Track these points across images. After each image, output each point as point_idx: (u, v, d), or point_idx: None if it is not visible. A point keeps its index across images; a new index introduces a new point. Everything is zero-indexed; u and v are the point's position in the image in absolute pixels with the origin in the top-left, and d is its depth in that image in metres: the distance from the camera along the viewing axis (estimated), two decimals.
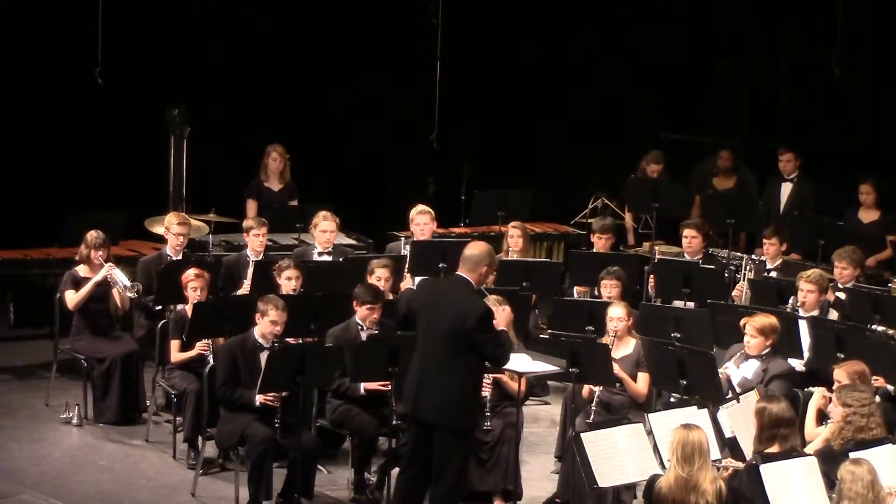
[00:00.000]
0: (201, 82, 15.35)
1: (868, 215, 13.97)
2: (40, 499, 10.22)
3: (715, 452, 8.73)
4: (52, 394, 12.14)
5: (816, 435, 9.35)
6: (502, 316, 9.73)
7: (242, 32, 15.88)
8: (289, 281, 11.34)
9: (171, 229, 12.19)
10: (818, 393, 9.50)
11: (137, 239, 13.51)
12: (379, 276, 11.31)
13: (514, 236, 13.07)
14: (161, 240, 12.70)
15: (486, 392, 10.31)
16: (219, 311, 11.03)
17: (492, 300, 10.38)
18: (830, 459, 8.56)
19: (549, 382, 12.69)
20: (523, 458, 10.71)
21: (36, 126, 14.88)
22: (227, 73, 15.74)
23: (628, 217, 14.82)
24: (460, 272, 9.43)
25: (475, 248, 9.48)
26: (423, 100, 15.82)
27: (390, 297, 11.41)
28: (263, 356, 10.02)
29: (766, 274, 12.62)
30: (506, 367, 9.90)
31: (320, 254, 12.53)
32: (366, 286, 10.80)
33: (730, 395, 9.84)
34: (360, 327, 10.58)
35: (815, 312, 11.28)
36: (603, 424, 9.26)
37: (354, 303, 10.64)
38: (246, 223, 12.56)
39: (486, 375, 10.26)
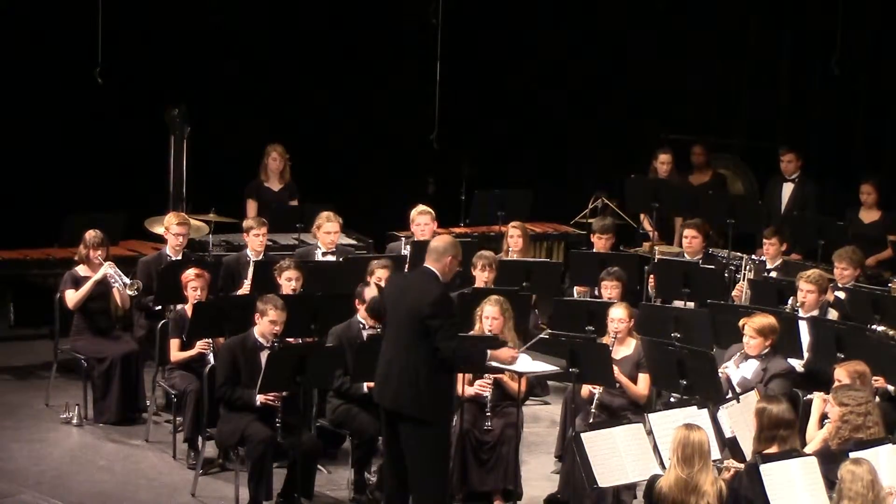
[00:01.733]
0: (201, 82, 15.34)
1: (869, 215, 13.98)
2: (40, 499, 10.22)
3: (715, 452, 8.73)
4: (52, 394, 12.14)
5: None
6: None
7: (242, 32, 15.88)
8: (289, 282, 11.35)
9: (171, 229, 12.19)
10: (818, 398, 9.48)
11: (137, 239, 13.51)
12: (379, 276, 11.29)
13: (514, 236, 13.07)
14: (161, 240, 12.70)
15: (487, 392, 10.32)
16: (219, 311, 11.04)
17: (492, 300, 10.42)
18: (828, 460, 8.56)
19: (549, 382, 12.69)
20: (523, 458, 10.71)
21: (36, 126, 14.87)
22: (227, 73, 15.73)
23: (643, 218, 14.70)
24: (426, 264, 9.50)
25: (440, 241, 9.57)
26: (423, 100, 15.82)
27: None
28: (263, 356, 10.03)
29: (766, 274, 12.62)
30: (506, 367, 9.91)
31: (324, 254, 12.54)
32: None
33: (730, 395, 9.84)
34: (361, 326, 10.58)
35: (815, 312, 11.28)
36: (603, 424, 9.26)
37: (356, 301, 10.64)
38: (246, 223, 12.57)
39: (486, 375, 10.29)
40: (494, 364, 9.70)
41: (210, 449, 10.74)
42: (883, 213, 13.95)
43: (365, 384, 10.34)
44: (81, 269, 11.86)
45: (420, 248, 12.59)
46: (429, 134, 15.79)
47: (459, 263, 9.70)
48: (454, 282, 12.01)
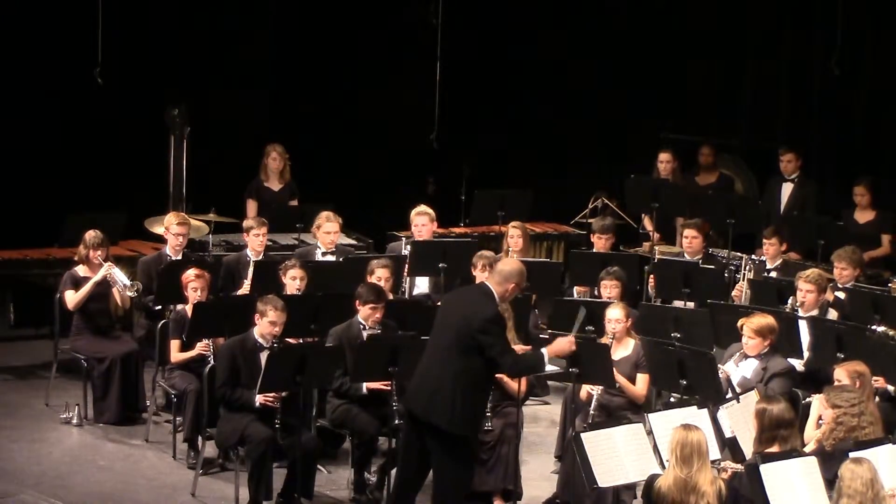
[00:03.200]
0: (201, 82, 15.35)
1: (863, 216, 13.99)
2: (40, 499, 10.22)
3: (715, 452, 8.73)
4: (52, 394, 12.14)
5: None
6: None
7: (242, 32, 15.88)
8: (293, 281, 11.34)
9: (171, 229, 12.19)
10: (818, 400, 9.47)
11: (137, 239, 13.51)
12: (379, 276, 11.30)
13: (513, 236, 13.06)
14: (161, 240, 12.70)
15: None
16: (219, 311, 11.04)
17: None
18: (827, 459, 8.56)
19: (549, 382, 12.69)
20: (523, 458, 10.71)
21: (36, 126, 14.87)
22: (227, 73, 15.74)
23: (646, 221, 14.65)
24: (487, 281, 9.53)
25: (508, 265, 9.57)
26: (423, 100, 15.81)
27: (390, 297, 11.41)
28: (263, 356, 10.02)
29: (766, 274, 12.62)
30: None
31: (324, 254, 12.54)
32: (369, 286, 10.78)
33: (730, 395, 9.84)
34: (362, 327, 10.57)
35: (815, 312, 11.28)
36: (602, 424, 9.27)
37: (357, 302, 10.62)
38: (246, 223, 12.57)
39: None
40: (551, 368, 9.67)
41: (210, 449, 10.74)
42: (877, 212, 13.96)
43: (364, 385, 10.34)
44: (81, 270, 11.86)
45: (420, 248, 12.61)
46: (429, 134, 15.79)
47: (521, 290, 9.70)
48: (454, 282, 12.06)
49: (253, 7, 15.98)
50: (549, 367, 9.88)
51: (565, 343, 9.63)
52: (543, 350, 9.58)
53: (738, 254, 13.35)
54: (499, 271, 9.47)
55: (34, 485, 10.47)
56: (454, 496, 9.38)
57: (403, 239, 13.30)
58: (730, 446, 9.18)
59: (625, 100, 16.54)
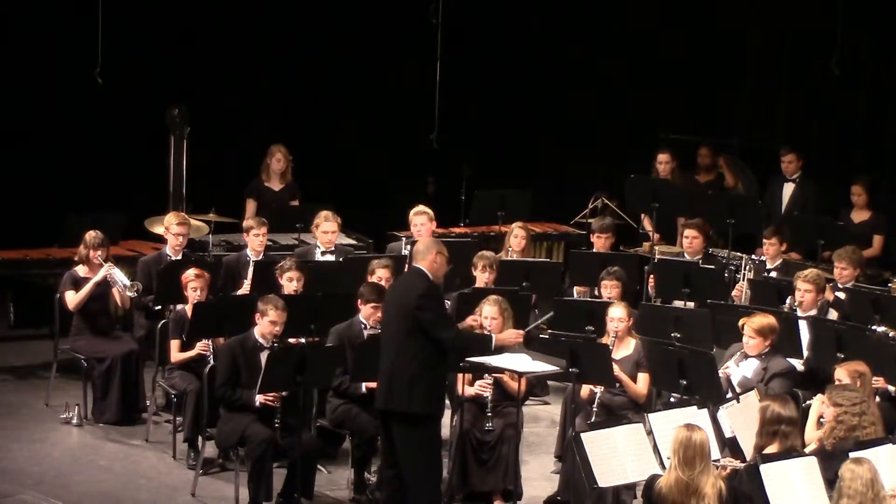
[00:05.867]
0: (201, 82, 15.35)
1: (859, 215, 14.00)
2: (40, 499, 10.22)
3: (715, 452, 8.73)
4: (52, 394, 12.15)
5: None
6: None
7: (242, 32, 15.88)
8: (290, 282, 11.34)
9: (171, 229, 12.19)
10: (817, 400, 9.48)
11: (137, 239, 13.51)
12: (380, 276, 11.31)
13: (517, 236, 13.04)
14: (161, 240, 12.70)
15: (487, 392, 10.33)
16: (219, 311, 11.04)
17: (491, 300, 10.41)
18: (826, 459, 8.56)
19: (549, 382, 12.69)
20: (523, 458, 10.71)
21: (36, 126, 14.88)
22: (227, 73, 15.74)
23: (646, 221, 14.65)
24: (414, 264, 9.62)
25: (421, 242, 9.82)
26: (423, 100, 15.82)
27: None
28: (264, 356, 10.03)
29: (765, 274, 12.63)
30: (506, 367, 9.91)
31: (323, 253, 12.55)
32: (370, 285, 10.81)
33: (730, 395, 9.84)
34: (363, 326, 10.58)
35: (813, 312, 11.28)
36: (603, 424, 9.27)
37: (359, 301, 10.64)
38: (246, 223, 12.57)
39: (486, 375, 10.30)
40: (495, 361, 9.70)
41: (210, 449, 10.74)
42: (872, 213, 13.97)
43: (363, 384, 10.34)
44: (81, 270, 11.86)
45: None
46: (429, 134, 15.79)
47: (448, 260, 9.74)
48: (454, 281, 12.05)
49: (253, 7, 15.97)
50: (549, 367, 9.87)
51: (512, 334, 9.92)
52: (493, 335, 9.76)
53: (738, 254, 13.35)
54: (416, 251, 9.63)
55: (34, 485, 10.47)
56: (429, 488, 9.42)
57: (403, 239, 13.30)
58: (730, 446, 9.18)
59: (625, 100, 16.54)
